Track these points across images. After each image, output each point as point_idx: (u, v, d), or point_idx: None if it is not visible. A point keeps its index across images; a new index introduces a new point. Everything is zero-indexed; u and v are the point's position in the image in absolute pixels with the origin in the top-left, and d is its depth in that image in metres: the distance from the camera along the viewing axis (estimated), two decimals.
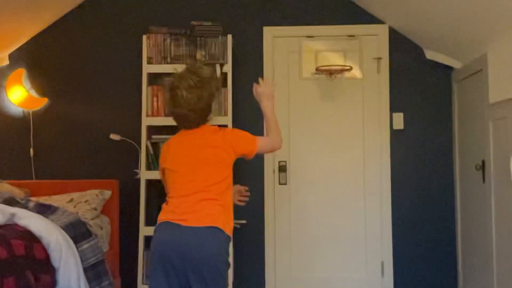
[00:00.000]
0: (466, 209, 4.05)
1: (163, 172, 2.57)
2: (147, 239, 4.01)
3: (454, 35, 3.77)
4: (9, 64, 4.38)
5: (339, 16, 4.35)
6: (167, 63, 4.04)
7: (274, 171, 4.35)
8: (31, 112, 4.39)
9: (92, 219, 3.76)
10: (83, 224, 3.28)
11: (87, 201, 3.90)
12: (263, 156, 4.28)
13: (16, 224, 2.89)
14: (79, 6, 4.42)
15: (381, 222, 4.29)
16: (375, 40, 4.35)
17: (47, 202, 3.56)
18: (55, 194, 4.04)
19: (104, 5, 4.43)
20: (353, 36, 4.33)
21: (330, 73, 4.22)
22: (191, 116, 2.43)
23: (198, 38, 4.06)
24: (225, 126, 3.92)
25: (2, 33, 4.07)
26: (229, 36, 4.09)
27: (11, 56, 4.40)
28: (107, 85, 4.40)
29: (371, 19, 4.33)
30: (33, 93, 4.39)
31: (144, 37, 4.08)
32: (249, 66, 4.35)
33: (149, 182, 4.09)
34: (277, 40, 4.40)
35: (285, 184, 4.35)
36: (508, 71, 3.23)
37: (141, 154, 4.10)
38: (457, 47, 3.94)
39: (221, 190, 2.43)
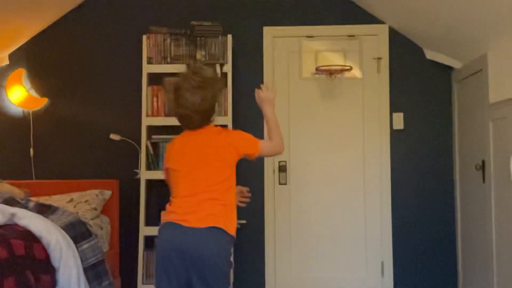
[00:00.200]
0: (466, 209, 4.05)
1: (167, 172, 2.59)
2: (147, 239, 4.02)
3: (454, 35, 3.77)
4: (9, 64, 4.38)
5: (339, 16, 4.35)
6: (167, 63, 4.04)
7: (274, 171, 4.35)
8: (31, 112, 4.39)
9: (92, 219, 3.76)
10: (83, 224, 3.28)
11: (87, 201, 3.90)
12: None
13: (16, 224, 2.89)
14: (79, 6, 4.42)
15: (381, 222, 4.29)
16: (375, 40, 4.35)
17: (47, 202, 3.56)
18: (55, 194, 4.04)
19: (104, 5, 4.43)
20: (353, 36, 4.33)
21: (330, 73, 4.22)
22: (194, 117, 2.44)
23: (198, 38, 4.06)
24: (225, 126, 3.92)
25: (2, 33, 4.07)
26: (229, 36, 4.09)
27: (11, 56, 4.40)
28: (107, 85, 4.40)
29: (371, 19, 4.33)
30: (33, 93, 4.39)
31: (144, 37, 4.08)
32: (249, 66, 4.35)
33: (149, 182, 4.09)
34: (277, 40, 4.40)
35: (285, 184, 4.35)
36: (508, 71, 3.23)
37: (141, 154, 4.10)
38: (457, 47, 3.94)
39: (224, 189, 2.43)
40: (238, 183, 2.59)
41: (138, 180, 4.12)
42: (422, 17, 3.82)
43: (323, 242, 4.32)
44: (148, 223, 4.03)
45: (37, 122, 4.39)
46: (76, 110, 4.41)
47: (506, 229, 3.27)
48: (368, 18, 4.33)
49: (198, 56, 4.05)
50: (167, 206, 2.48)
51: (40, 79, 4.42)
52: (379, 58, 4.33)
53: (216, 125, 2.57)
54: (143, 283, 3.96)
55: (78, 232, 3.16)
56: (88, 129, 4.39)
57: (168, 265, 2.34)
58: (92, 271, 3.13)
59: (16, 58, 4.40)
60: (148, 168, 4.04)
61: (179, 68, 3.63)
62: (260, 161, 4.29)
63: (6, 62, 4.37)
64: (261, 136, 3.94)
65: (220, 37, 4.07)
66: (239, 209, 2.59)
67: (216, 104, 2.51)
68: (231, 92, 4.05)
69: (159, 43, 4.07)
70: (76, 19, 4.43)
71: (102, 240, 3.71)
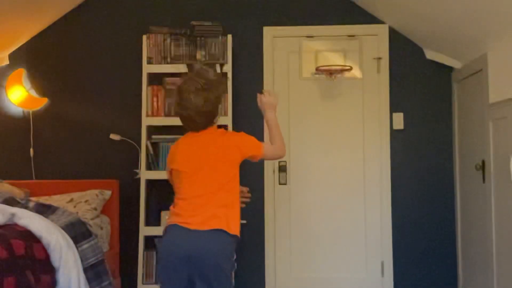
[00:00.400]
0: (466, 209, 4.05)
1: (170, 173, 2.61)
2: (147, 239, 4.02)
3: (454, 35, 3.77)
4: (9, 64, 4.38)
5: (339, 16, 4.35)
6: (167, 63, 4.05)
7: (274, 171, 4.35)
8: (31, 112, 4.39)
9: (92, 219, 3.76)
10: (83, 224, 3.28)
11: (87, 201, 3.90)
12: None
13: (16, 224, 2.89)
14: (79, 6, 4.41)
15: (381, 222, 4.29)
16: (375, 40, 4.35)
17: (47, 202, 3.56)
18: (55, 194, 4.04)
19: (104, 5, 4.43)
20: (353, 36, 4.33)
21: (330, 73, 4.22)
22: (198, 119, 2.47)
23: (198, 38, 4.06)
24: (225, 126, 3.93)
25: (2, 33, 4.07)
26: (229, 36, 4.09)
27: (11, 56, 4.40)
28: (107, 85, 4.40)
29: (371, 19, 4.33)
30: (33, 93, 4.39)
31: (144, 37, 4.08)
32: (249, 66, 4.35)
33: (149, 182, 4.09)
34: (277, 40, 4.40)
35: (285, 184, 4.35)
36: (508, 71, 3.23)
37: (141, 154, 4.10)
38: (457, 47, 3.94)
39: (227, 190, 2.47)
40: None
41: (138, 180, 4.12)
42: (422, 17, 3.82)
43: (323, 242, 4.32)
44: (148, 223, 4.03)
45: (37, 122, 4.39)
46: (76, 110, 4.41)
47: (506, 229, 3.27)
48: (368, 18, 4.33)
49: (198, 56, 4.05)
50: (171, 207, 2.52)
51: (40, 79, 4.42)
52: (379, 58, 4.33)
53: (219, 126, 2.61)
54: (143, 283, 3.96)
55: (78, 232, 3.16)
56: (88, 129, 4.39)
57: (172, 270, 2.39)
58: (92, 271, 3.13)
59: (16, 58, 4.40)
60: (148, 168, 4.04)
61: (179, 68, 3.64)
62: (260, 161, 4.28)
63: (6, 62, 4.37)
64: (260, 137, 3.96)
65: (220, 37, 4.07)
66: None
67: (220, 105, 2.55)
68: (231, 92, 4.05)
69: (159, 43, 4.07)
70: (76, 19, 4.43)
71: (102, 240, 3.71)
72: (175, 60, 4.05)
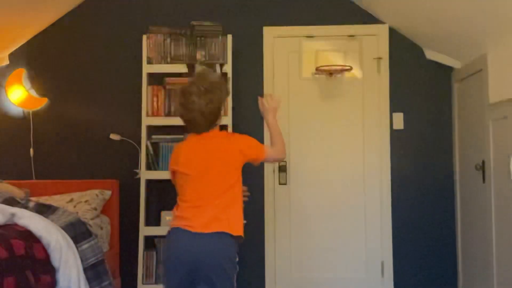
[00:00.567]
0: (466, 209, 4.05)
1: (173, 174, 2.63)
2: (147, 239, 4.02)
3: (454, 35, 3.76)
4: (9, 64, 4.38)
5: (339, 16, 4.35)
6: (167, 63, 4.05)
7: (274, 171, 4.35)
8: (31, 112, 4.39)
9: (92, 219, 3.76)
10: (83, 224, 3.28)
11: (87, 201, 3.90)
12: None
13: (16, 224, 2.89)
14: (79, 6, 4.41)
15: (381, 222, 4.29)
16: (375, 40, 4.35)
17: (47, 202, 3.56)
18: (55, 194, 4.04)
19: (104, 5, 4.43)
20: (353, 36, 4.33)
21: (330, 73, 4.22)
22: (201, 121, 2.49)
23: (198, 38, 4.07)
24: (225, 126, 3.93)
25: (2, 33, 4.07)
26: (229, 36, 4.09)
27: (11, 56, 4.40)
28: (107, 85, 4.40)
29: (371, 19, 4.33)
30: (33, 93, 4.39)
31: (144, 37, 4.08)
32: (249, 66, 4.35)
33: (149, 182, 4.09)
34: (277, 40, 4.39)
35: (285, 184, 4.35)
36: (508, 71, 3.23)
37: (141, 154, 4.10)
38: (457, 47, 3.94)
39: (231, 192, 2.51)
40: None
41: (138, 180, 4.12)
42: (422, 17, 3.82)
43: (323, 242, 4.32)
44: (148, 223, 4.03)
45: (37, 122, 4.39)
46: (76, 110, 4.40)
47: (506, 229, 3.27)
48: (368, 18, 4.33)
49: (198, 56, 4.05)
50: (174, 210, 2.54)
51: (40, 79, 4.41)
52: (379, 58, 4.33)
53: (222, 126, 2.63)
54: (143, 283, 3.96)
55: (78, 232, 3.16)
56: (88, 129, 4.38)
57: (175, 273, 2.42)
58: (92, 271, 3.13)
59: (16, 58, 4.40)
60: (148, 168, 4.04)
61: (179, 68, 3.64)
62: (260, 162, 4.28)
63: (6, 62, 4.37)
64: (261, 137, 3.96)
65: (220, 37, 4.07)
66: None
67: (222, 107, 2.57)
68: (231, 92, 4.05)
69: (159, 43, 4.07)
70: (76, 19, 4.42)
71: (102, 240, 3.71)
72: (175, 60, 4.05)
